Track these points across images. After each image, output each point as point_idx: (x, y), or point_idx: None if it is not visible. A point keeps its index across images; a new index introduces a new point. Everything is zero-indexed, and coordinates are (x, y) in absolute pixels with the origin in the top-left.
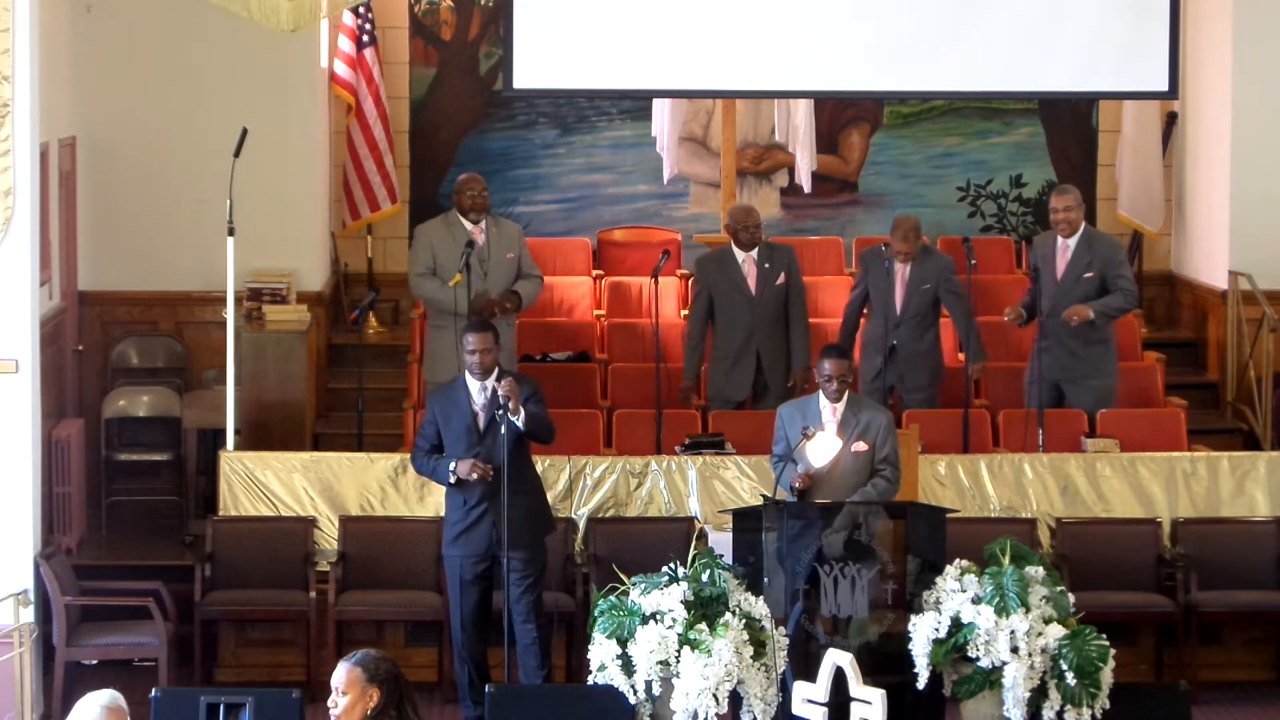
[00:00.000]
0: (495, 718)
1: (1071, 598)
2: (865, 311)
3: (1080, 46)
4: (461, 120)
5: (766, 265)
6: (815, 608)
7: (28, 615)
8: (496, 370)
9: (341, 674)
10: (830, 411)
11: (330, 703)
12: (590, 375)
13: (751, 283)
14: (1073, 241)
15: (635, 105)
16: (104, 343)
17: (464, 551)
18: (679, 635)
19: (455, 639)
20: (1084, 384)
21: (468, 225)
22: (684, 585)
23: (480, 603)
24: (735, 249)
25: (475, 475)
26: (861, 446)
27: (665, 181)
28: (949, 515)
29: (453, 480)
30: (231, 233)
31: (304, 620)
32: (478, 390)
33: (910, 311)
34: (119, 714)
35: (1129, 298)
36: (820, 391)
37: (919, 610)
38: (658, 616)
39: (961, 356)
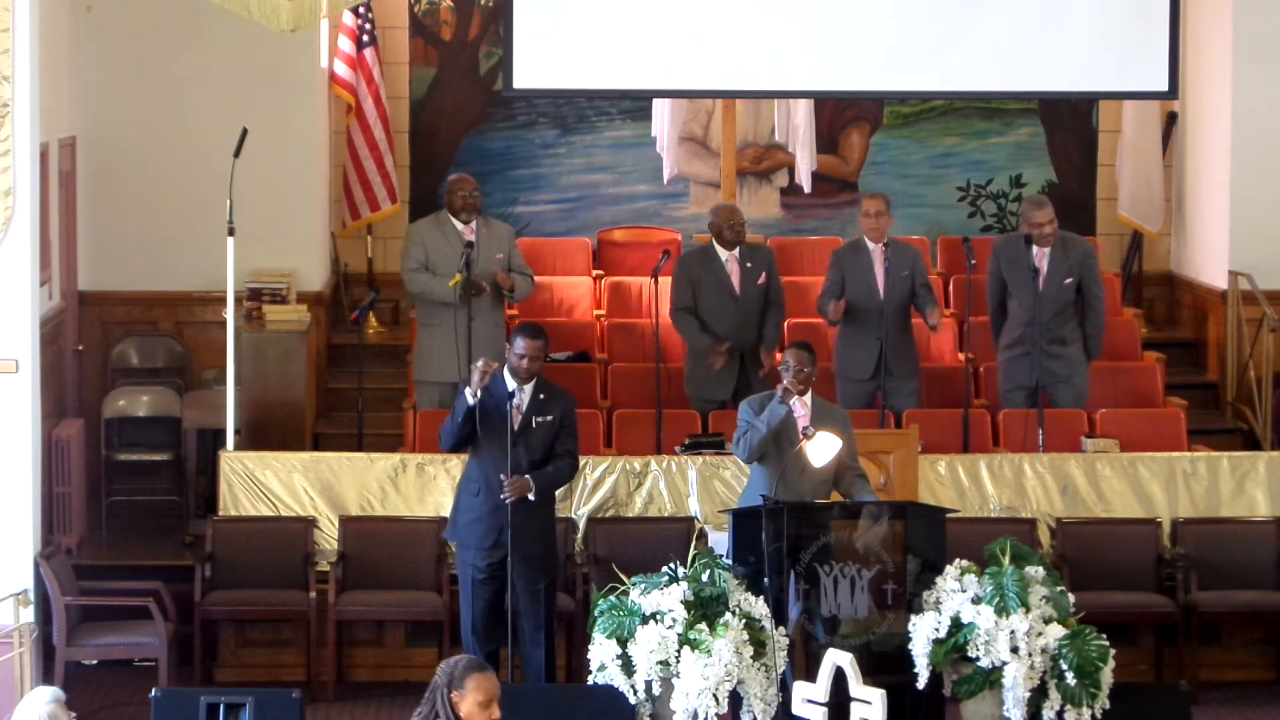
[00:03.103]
0: None
1: (1071, 598)
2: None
3: (1080, 46)
4: (461, 120)
5: (749, 265)
6: (815, 608)
7: (28, 615)
8: (536, 379)
9: (495, 683)
10: (799, 405)
11: (492, 715)
12: (590, 375)
13: (736, 281)
14: (1048, 250)
15: (635, 105)
16: (104, 343)
17: (470, 543)
18: (679, 635)
19: (465, 641)
20: (1068, 384)
21: (459, 225)
22: (684, 585)
23: (490, 604)
24: (718, 248)
25: (480, 365)
26: None
27: (665, 181)
28: (949, 515)
29: (471, 401)
30: (231, 233)
31: (304, 620)
32: (515, 389)
33: (893, 302)
34: (62, 706)
35: (1102, 314)
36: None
37: (919, 610)
38: (658, 616)
39: (961, 356)
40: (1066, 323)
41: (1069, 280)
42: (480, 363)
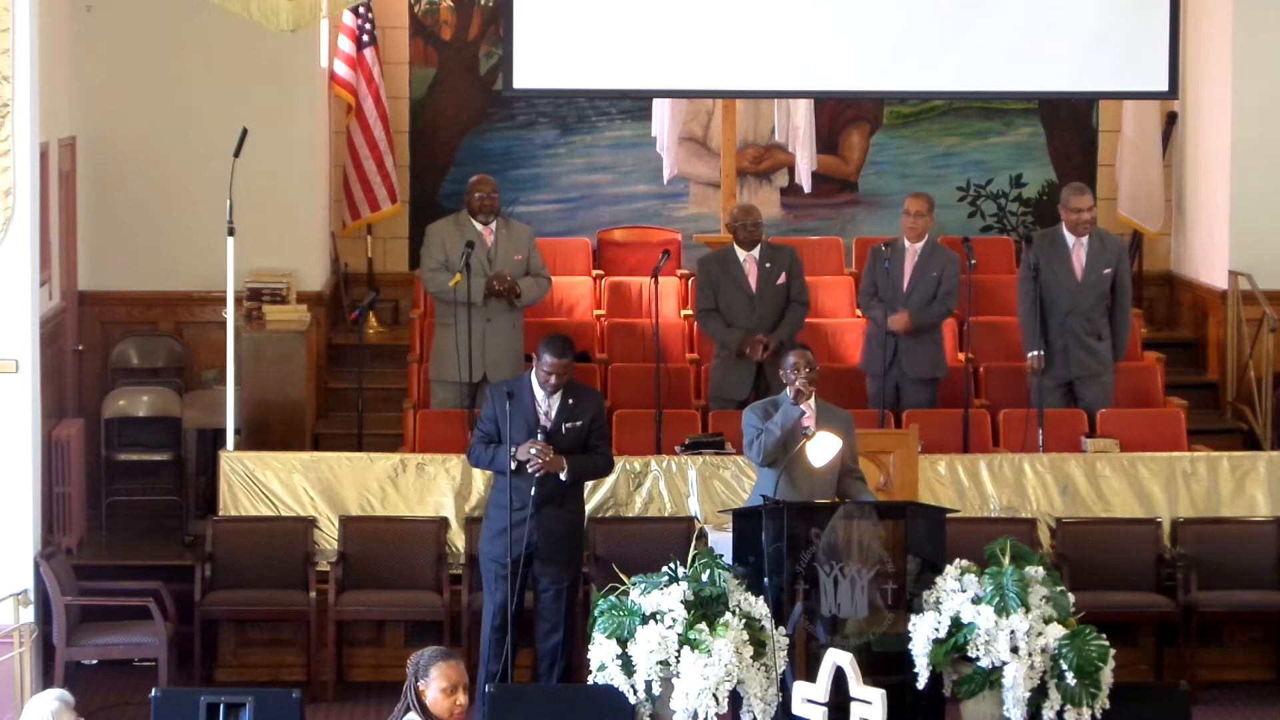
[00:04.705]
0: (495, 718)
1: (1071, 598)
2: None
3: (1080, 46)
4: (461, 120)
5: (768, 265)
6: (815, 608)
7: (28, 615)
8: (563, 388)
9: (460, 670)
10: (804, 406)
11: (457, 702)
12: (590, 375)
13: (752, 281)
14: (1085, 239)
15: (635, 105)
16: (104, 343)
17: (497, 553)
18: (679, 635)
19: (484, 637)
20: (1098, 380)
21: (477, 226)
22: (684, 585)
23: (512, 601)
24: (737, 248)
25: (534, 451)
26: None
27: (665, 181)
28: (949, 515)
29: (513, 466)
30: (231, 233)
31: (304, 620)
32: (543, 398)
33: (916, 303)
34: (70, 708)
35: (1130, 313)
36: (786, 392)
37: (919, 610)
38: (658, 616)
39: (962, 356)
40: (1102, 316)
41: (1107, 271)
42: (537, 446)
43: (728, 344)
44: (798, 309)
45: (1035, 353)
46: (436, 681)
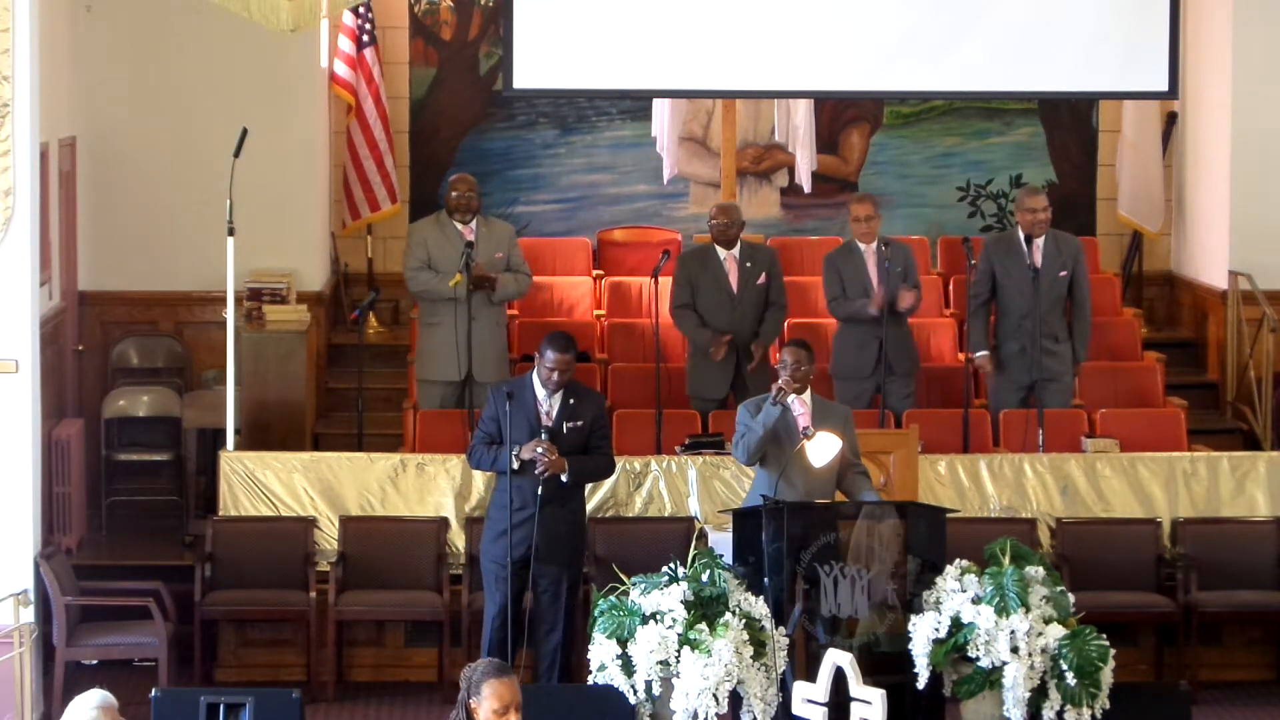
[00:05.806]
0: None
1: (1071, 598)
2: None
3: (1080, 46)
4: (461, 120)
5: (748, 264)
6: (815, 608)
7: (28, 615)
8: (564, 388)
9: (513, 689)
10: (798, 404)
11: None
12: (590, 375)
13: (733, 280)
14: (1041, 241)
15: (635, 105)
16: (104, 343)
17: (499, 554)
18: (679, 635)
19: (486, 637)
20: (1058, 382)
21: (457, 226)
22: (684, 585)
23: (513, 601)
24: (717, 247)
25: (540, 450)
26: None
27: (665, 181)
28: (949, 515)
29: (515, 465)
30: (231, 233)
31: (304, 620)
32: (544, 397)
33: (888, 298)
34: (112, 713)
35: (1089, 314)
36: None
37: (919, 610)
38: (658, 616)
39: (962, 356)
40: (1060, 319)
41: (1063, 274)
42: (543, 446)
43: (699, 344)
44: (777, 312)
45: (981, 353)
46: (489, 701)
